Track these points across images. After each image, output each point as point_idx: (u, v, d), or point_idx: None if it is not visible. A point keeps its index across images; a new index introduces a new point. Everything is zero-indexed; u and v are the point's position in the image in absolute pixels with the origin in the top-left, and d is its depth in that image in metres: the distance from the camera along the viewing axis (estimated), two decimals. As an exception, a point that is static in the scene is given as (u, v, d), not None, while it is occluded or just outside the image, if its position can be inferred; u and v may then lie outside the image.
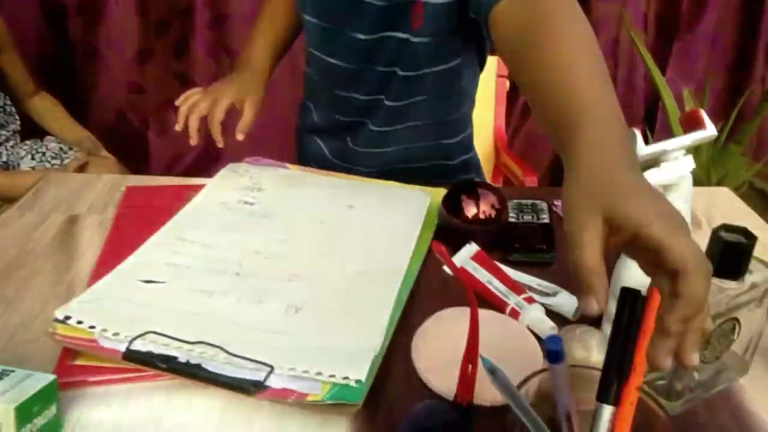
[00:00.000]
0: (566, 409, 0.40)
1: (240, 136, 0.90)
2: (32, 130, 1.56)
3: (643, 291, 0.41)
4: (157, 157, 1.95)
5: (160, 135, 1.94)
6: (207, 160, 1.92)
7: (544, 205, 0.84)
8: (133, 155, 1.92)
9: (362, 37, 0.89)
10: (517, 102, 2.01)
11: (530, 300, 0.64)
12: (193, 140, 0.90)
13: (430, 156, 1.02)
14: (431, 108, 0.97)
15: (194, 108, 0.89)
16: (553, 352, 0.39)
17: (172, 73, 1.87)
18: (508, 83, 1.60)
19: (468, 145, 1.07)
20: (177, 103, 0.92)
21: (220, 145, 0.89)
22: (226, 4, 1.80)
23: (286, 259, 0.70)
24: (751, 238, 0.50)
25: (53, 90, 1.66)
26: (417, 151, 1.01)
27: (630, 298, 0.41)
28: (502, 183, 1.58)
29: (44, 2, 1.76)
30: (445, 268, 0.70)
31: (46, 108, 1.58)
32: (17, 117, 1.50)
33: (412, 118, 0.97)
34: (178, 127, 0.90)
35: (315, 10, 0.92)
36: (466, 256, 0.71)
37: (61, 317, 0.57)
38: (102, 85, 1.85)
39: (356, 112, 0.98)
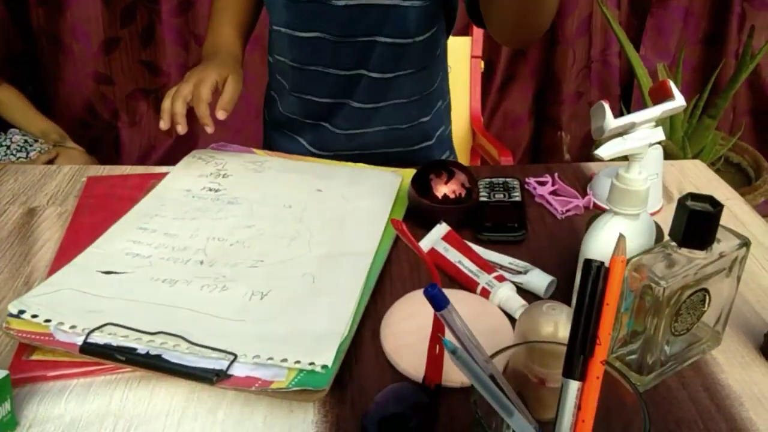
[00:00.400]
0: (489, 371, 0.39)
1: (222, 115, 0.80)
2: (-5, 124, 1.52)
3: (607, 263, 0.40)
4: (128, 149, 1.91)
5: (131, 126, 1.90)
6: (180, 151, 1.88)
7: (516, 183, 0.82)
8: (103, 147, 1.88)
9: (341, 4, 0.85)
10: (493, 83, 2.00)
11: (501, 278, 0.63)
12: (182, 127, 0.78)
13: (410, 138, 1.00)
14: (414, 81, 0.94)
15: (177, 95, 0.78)
16: (432, 296, 0.37)
17: (140, 62, 1.83)
18: (482, 64, 1.58)
19: (446, 117, 1.06)
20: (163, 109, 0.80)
21: (210, 129, 0.79)
22: (193, -10, 1.76)
23: (251, 246, 0.68)
24: (718, 206, 0.49)
25: (17, 82, 1.61)
26: (398, 133, 0.98)
27: (592, 270, 0.40)
28: (479, 164, 1.57)
29: (4, -8, 1.71)
30: (400, 235, 0.69)
31: (9, 100, 1.53)
32: (-21, 111, 1.45)
33: (395, 94, 0.94)
34: (163, 125, 0.78)
35: None
36: (436, 236, 0.70)
37: (15, 311, 0.55)
38: (68, 77, 1.81)
39: (336, 91, 0.94)
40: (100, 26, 1.76)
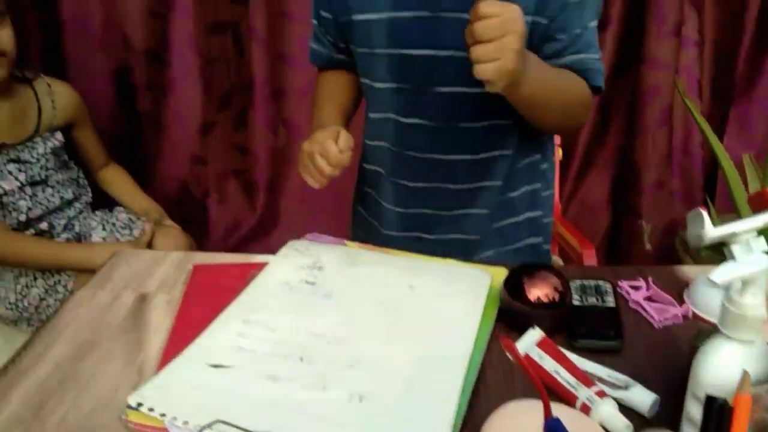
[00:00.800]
0: None
1: (346, 156, 0.85)
2: (102, 201, 1.64)
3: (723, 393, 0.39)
4: (215, 225, 2.01)
5: (220, 203, 2.00)
6: (262, 230, 1.96)
7: (608, 287, 0.82)
8: (193, 224, 1.98)
9: (444, 90, 0.91)
10: (570, 169, 2.00)
11: (601, 394, 0.62)
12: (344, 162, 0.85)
13: (513, 215, 1.03)
14: (520, 164, 0.99)
15: (318, 158, 0.85)
16: None
17: (233, 145, 1.95)
18: (560, 151, 1.60)
19: (550, 205, 1.08)
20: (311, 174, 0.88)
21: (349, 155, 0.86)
22: (284, 79, 1.88)
23: (347, 343, 0.70)
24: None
25: (121, 161, 1.74)
26: (500, 214, 1.01)
27: (716, 407, 0.39)
28: (558, 254, 1.56)
29: (118, 80, 1.87)
30: (509, 354, 0.69)
31: (116, 179, 1.66)
32: (89, 189, 1.57)
33: (497, 176, 0.98)
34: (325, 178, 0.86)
35: (391, 75, 0.94)
36: (531, 342, 0.70)
37: (133, 404, 0.58)
38: (166, 157, 1.94)
39: (434, 175, 0.98)
40: (198, 111, 1.90)
